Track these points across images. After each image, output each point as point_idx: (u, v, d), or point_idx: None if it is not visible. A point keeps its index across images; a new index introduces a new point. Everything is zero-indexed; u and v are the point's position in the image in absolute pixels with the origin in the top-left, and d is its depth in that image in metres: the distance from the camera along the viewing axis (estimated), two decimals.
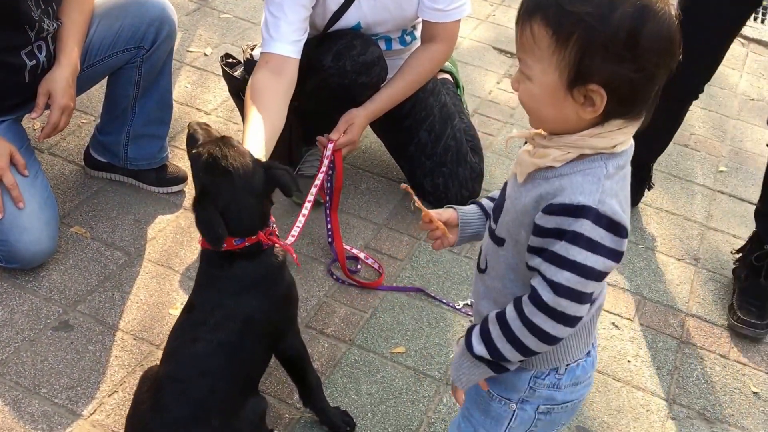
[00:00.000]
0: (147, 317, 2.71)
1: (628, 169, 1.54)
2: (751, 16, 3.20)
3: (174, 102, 3.25)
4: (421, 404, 2.56)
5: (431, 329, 2.82)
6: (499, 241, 1.64)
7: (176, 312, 2.71)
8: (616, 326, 2.98)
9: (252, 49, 3.23)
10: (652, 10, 1.40)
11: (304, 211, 2.56)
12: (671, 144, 3.61)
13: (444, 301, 2.93)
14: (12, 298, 2.70)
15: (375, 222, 3.26)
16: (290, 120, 2.85)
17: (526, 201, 1.54)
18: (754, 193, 3.78)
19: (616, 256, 1.48)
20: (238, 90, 3.14)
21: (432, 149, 3.25)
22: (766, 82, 4.84)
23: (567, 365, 1.70)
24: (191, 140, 2.17)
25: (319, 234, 3.09)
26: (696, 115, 4.32)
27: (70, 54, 2.77)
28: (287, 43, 2.78)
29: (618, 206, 1.46)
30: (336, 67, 2.94)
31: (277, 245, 2.17)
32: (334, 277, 2.96)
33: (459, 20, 3.09)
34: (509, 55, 4.57)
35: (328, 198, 3.01)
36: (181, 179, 3.24)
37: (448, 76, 3.55)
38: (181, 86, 3.84)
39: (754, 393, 2.82)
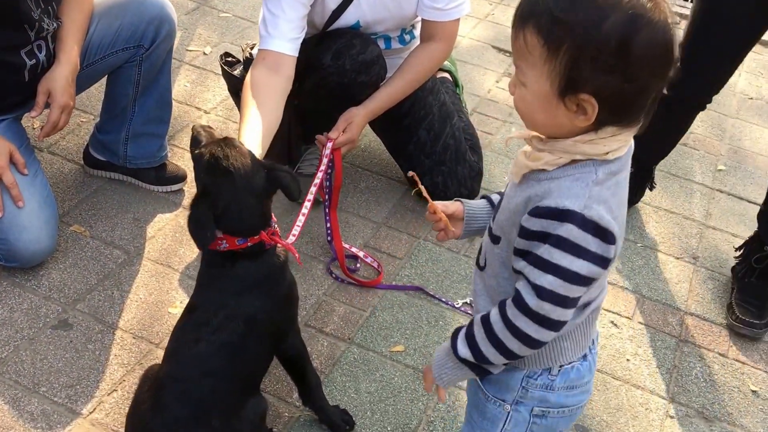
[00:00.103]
0: (146, 316, 2.71)
1: (624, 176, 1.53)
2: (766, 30, 3.12)
3: (173, 101, 3.25)
4: (420, 403, 2.56)
5: (430, 328, 2.82)
6: (495, 239, 1.64)
7: (176, 311, 2.72)
8: (615, 325, 2.98)
9: (251, 48, 3.23)
10: (645, 19, 1.38)
11: (304, 210, 2.56)
12: None
13: (443, 299, 2.93)
14: (11, 297, 2.70)
15: (374, 221, 3.27)
16: (289, 118, 2.86)
17: (517, 201, 1.55)
18: (753, 192, 3.79)
19: (602, 261, 1.47)
20: (237, 89, 3.14)
21: (431, 148, 3.25)
22: (765, 80, 4.85)
23: (560, 366, 1.69)
24: (194, 142, 2.17)
25: (318, 233, 3.09)
26: None
27: (70, 53, 2.77)
28: (285, 40, 2.78)
29: (606, 212, 1.45)
30: (335, 66, 2.94)
31: (278, 245, 2.17)
32: (334, 275, 2.96)
33: (458, 19, 3.09)
34: (508, 54, 4.56)
35: (327, 197, 3.01)
36: (181, 178, 3.24)
37: (447, 74, 3.55)
38: (181, 85, 3.84)
39: (753, 391, 2.82)
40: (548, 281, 1.47)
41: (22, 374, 2.47)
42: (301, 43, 2.84)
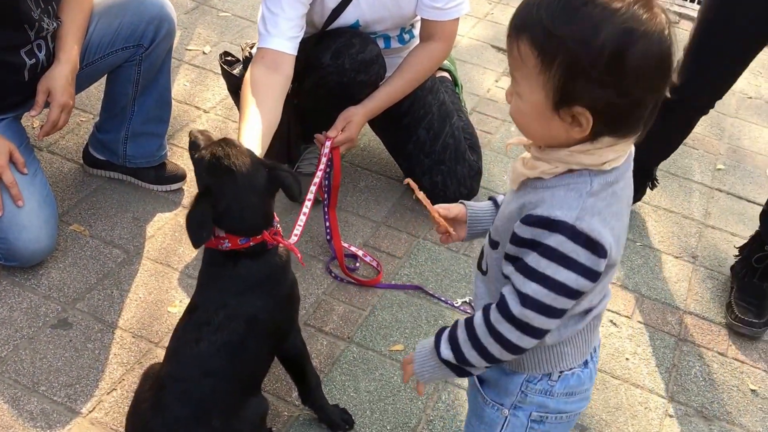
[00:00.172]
0: (146, 315, 2.71)
1: (621, 186, 1.51)
2: None
3: (173, 100, 3.25)
4: (419, 402, 2.56)
5: (430, 327, 2.83)
6: (493, 244, 1.63)
7: (175, 310, 2.72)
8: (614, 324, 2.98)
9: (251, 47, 3.23)
10: (638, 32, 1.35)
11: (305, 210, 2.56)
12: None
13: (442, 298, 2.93)
14: (11, 296, 2.70)
15: (374, 220, 3.27)
16: (289, 118, 2.86)
17: (513, 207, 1.54)
18: (752, 191, 3.79)
19: (591, 274, 1.46)
20: (236, 88, 3.14)
21: (430, 147, 3.26)
22: (764, 80, 4.85)
23: (561, 372, 1.68)
24: (193, 146, 2.17)
25: (317, 232, 3.09)
26: None
27: (70, 52, 2.77)
28: (284, 39, 2.78)
29: (600, 224, 1.44)
30: (335, 65, 2.94)
31: (280, 245, 2.17)
32: (333, 275, 2.97)
33: (458, 18, 3.09)
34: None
35: (326, 196, 3.01)
36: (180, 177, 3.24)
37: (446, 74, 3.55)
38: (180, 84, 3.84)
39: (752, 390, 2.83)
40: (533, 289, 1.47)
41: (22, 373, 2.47)
42: (301, 43, 2.84)
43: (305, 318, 2.77)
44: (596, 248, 1.43)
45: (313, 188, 2.68)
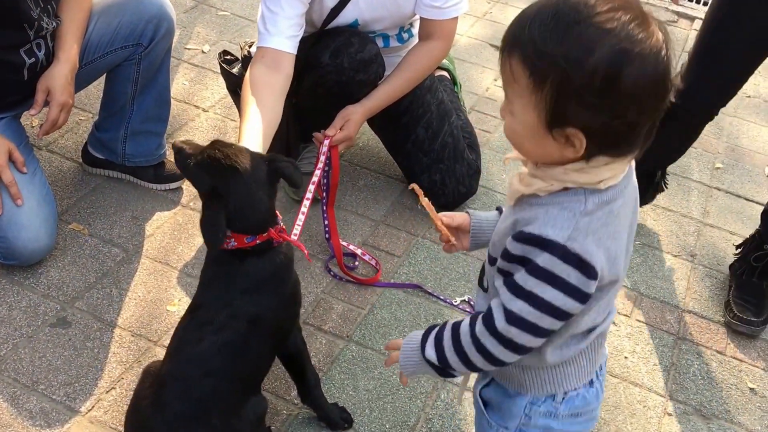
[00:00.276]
0: (145, 314, 2.71)
1: (619, 204, 1.47)
2: None
3: (172, 99, 3.26)
4: (418, 400, 2.56)
5: (429, 325, 2.82)
6: (491, 260, 1.60)
7: (174, 308, 2.72)
8: (613, 322, 2.98)
9: (250, 46, 3.23)
10: (633, 54, 1.30)
11: (304, 209, 2.56)
12: None
13: (441, 297, 2.93)
14: (10, 295, 2.70)
15: (372, 219, 3.27)
16: (288, 117, 2.85)
17: (508, 223, 1.52)
18: (751, 190, 3.79)
19: (579, 296, 1.43)
20: (236, 87, 3.14)
21: (429, 146, 3.26)
22: (763, 79, 4.85)
23: (565, 393, 1.66)
24: (181, 155, 2.15)
25: (316, 231, 3.09)
26: None
27: (69, 51, 2.78)
28: (284, 37, 2.78)
29: (594, 245, 1.41)
30: (333, 65, 2.94)
31: (283, 242, 2.17)
32: (332, 273, 2.97)
33: (456, 17, 3.09)
34: None
35: (325, 194, 3.02)
36: (179, 176, 3.24)
37: (445, 73, 3.55)
38: (179, 83, 3.84)
39: (750, 389, 2.83)
40: (518, 307, 1.45)
41: (21, 372, 2.47)
42: (300, 42, 2.84)
43: (304, 317, 2.77)
44: (587, 269, 1.41)
45: (311, 187, 2.69)
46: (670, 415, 2.68)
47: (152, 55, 3.01)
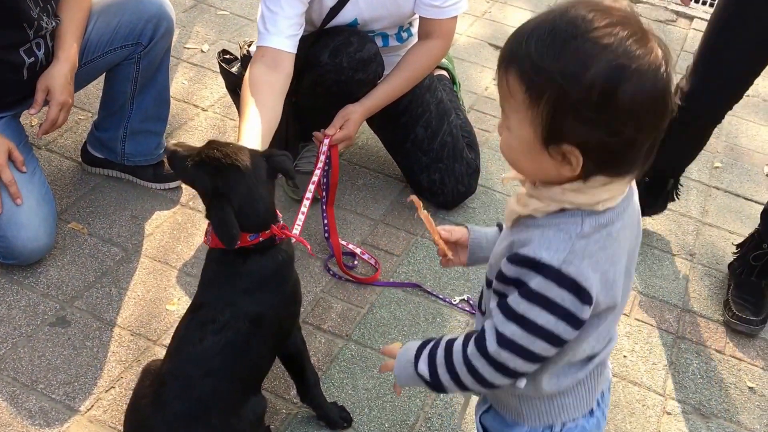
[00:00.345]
0: (144, 313, 2.72)
1: (618, 227, 1.43)
2: None
3: (171, 98, 3.26)
4: (417, 399, 2.56)
5: (428, 325, 2.83)
6: (488, 282, 1.58)
7: (173, 308, 2.72)
8: None
9: (249, 46, 3.23)
10: (630, 69, 1.28)
11: (304, 209, 2.57)
12: None
13: (440, 296, 2.93)
14: (9, 294, 2.70)
15: (372, 218, 3.27)
16: (287, 116, 2.85)
17: (504, 245, 1.49)
18: (749, 189, 3.79)
19: (574, 321, 1.40)
20: (235, 86, 3.15)
21: (428, 145, 3.26)
22: (761, 78, 4.83)
23: (563, 424, 1.63)
24: (177, 157, 2.15)
25: (315, 230, 3.09)
26: None
27: (69, 50, 2.78)
28: (284, 37, 2.78)
29: (590, 269, 1.37)
30: (333, 64, 2.94)
31: (284, 240, 2.17)
32: (331, 272, 2.97)
33: (456, 17, 3.09)
34: None
35: (324, 194, 3.02)
36: None
37: (444, 72, 3.55)
38: (178, 83, 3.84)
39: (749, 388, 2.83)
40: (511, 330, 1.42)
41: (20, 371, 2.47)
42: (299, 41, 2.84)
43: (303, 316, 2.77)
44: (582, 294, 1.38)
45: (311, 187, 2.69)
46: (669, 414, 2.69)
47: (151, 54, 3.01)
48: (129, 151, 3.17)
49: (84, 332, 2.62)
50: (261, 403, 2.20)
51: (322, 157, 2.90)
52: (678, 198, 3.46)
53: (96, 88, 3.38)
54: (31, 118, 3.33)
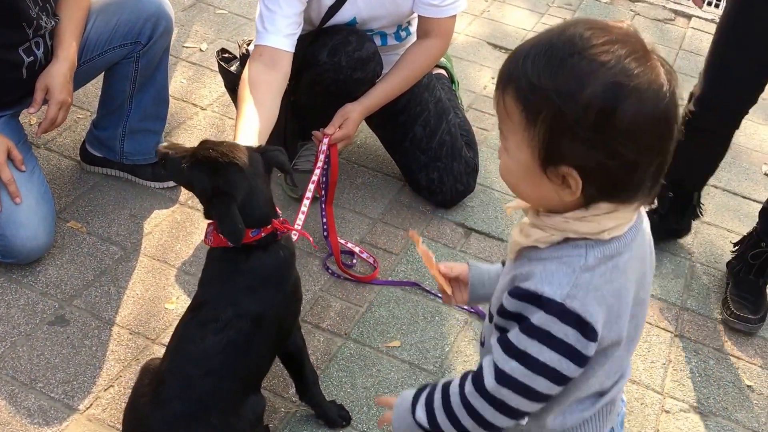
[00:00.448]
0: (143, 312, 2.72)
1: (626, 258, 1.38)
2: None
3: (170, 97, 3.26)
4: None
5: (426, 323, 2.83)
6: (489, 316, 1.53)
7: (172, 306, 2.73)
8: None
9: (248, 44, 3.23)
10: (629, 88, 1.24)
11: (304, 208, 2.57)
12: None
13: (439, 295, 2.93)
14: (8, 293, 2.70)
15: (370, 216, 3.27)
16: (286, 115, 2.86)
17: (507, 279, 1.45)
18: (748, 188, 3.79)
19: (578, 358, 1.34)
20: (234, 85, 3.14)
21: (427, 144, 3.26)
22: None
23: None
24: (171, 160, 2.14)
25: (314, 228, 3.09)
26: None
27: (68, 50, 2.78)
28: (282, 36, 2.78)
29: (595, 303, 1.32)
30: (331, 63, 2.94)
31: (284, 236, 2.17)
32: (330, 271, 2.97)
33: (454, 16, 3.09)
34: (504, 51, 4.57)
35: (323, 192, 3.02)
36: None
37: (443, 71, 3.55)
38: (177, 82, 3.84)
39: (747, 386, 2.83)
40: (511, 367, 1.37)
41: (19, 370, 2.48)
42: (298, 40, 2.85)
43: (302, 314, 2.76)
44: (586, 330, 1.32)
45: (311, 186, 2.69)
46: (667, 412, 2.69)
47: (150, 53, 3.01)
48: (128, 149, 3.17)
49: (83, 331, 2.62)
50: (260, 402, 2.21)
51: (321, 156, 2.90)
52: (702, 215, 3.38)
53: (95, 87, 3.38)
54: (29, 117, 3.33)
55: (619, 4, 5.32)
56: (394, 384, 2.60)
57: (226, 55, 3.32)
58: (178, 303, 2.75)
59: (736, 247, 3.21)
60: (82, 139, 3.27)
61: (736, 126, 3.08)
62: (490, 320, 1.52)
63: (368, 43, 3.00)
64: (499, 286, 1.50)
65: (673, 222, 3.26)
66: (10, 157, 2.70)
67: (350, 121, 3.00)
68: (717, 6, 5.48)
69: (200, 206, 2.21)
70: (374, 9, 3.01)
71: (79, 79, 2.93)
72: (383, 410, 2.49)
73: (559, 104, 1.26)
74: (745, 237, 3.18)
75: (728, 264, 3.22)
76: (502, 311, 1.41)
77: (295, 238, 2.36)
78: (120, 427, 2.26)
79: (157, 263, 2.90)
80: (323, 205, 3.03)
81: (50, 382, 2.46)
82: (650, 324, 3.00)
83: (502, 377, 1.39)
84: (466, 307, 2.88)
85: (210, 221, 2.15)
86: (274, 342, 2.20)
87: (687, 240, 3.43)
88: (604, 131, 1.25)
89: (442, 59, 3.50)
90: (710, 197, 3.74)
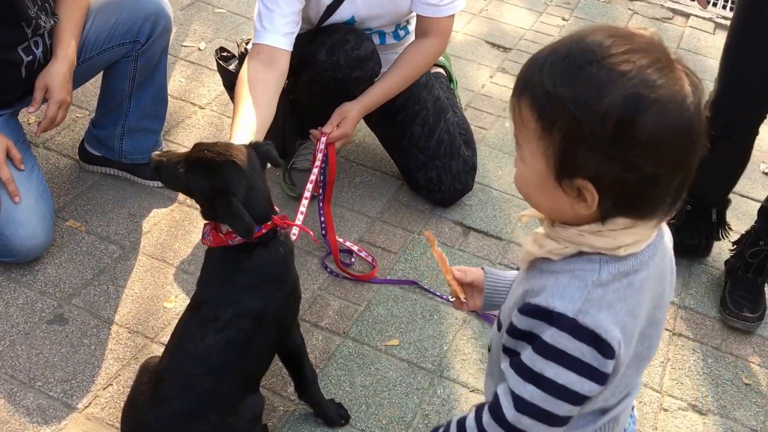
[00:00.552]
0: (142, 310, 2.72)
1: (642, 277, 1.33)
2: None
3: (168, 96, 3.26)
4: (415, 396, 2.57)
5: (425, 322, 2.83)
6: (498, 325, 1.49)
7: (171, 305, 2.73)
8: None
9: (246, 43, 3.23)
10: (649, 99, 1.19)
11: (302, 208, 2.57)
12: None
13: (438, 293, 2.93)
14: (7, 292, 2.70)
15: (369, 215, 3.27)
16: (284, 113, 2.86)
17: (519, 292, 1.40)
18: (746, 186, 3.79)
19: (597, 376, 1.29)
20: (232, 84, 3.14)
21: (425, 143, 3.26)
22: None
23: None
24: (165, 166, 2.14)
25: (313, 227, 3.09)
26: None
27: (67, 49, 2.78)
28: (280, 34, 2.78)
29: (608, 320, 1.27)
30: (330, 62, 2.95)
31: (282, 233, 2.17)
32: (328, 270, 2.97)
33: (453, 15, 3.09)
34: (502, 50, 4.57)
35: (321, 191, 3.02)
36: None
37: (441, 70, 3.56)
38: (176, 81, 3.84)
39: (746, 384, 2.84)
40: (529, 392, 1.31)
41: (18, 369, 2.48)
42: (296, 39, 2.85)
43: (301, 313, 2.76)
44: (602, 346, 1.27)
45: (309, 186, 2.69)
46: (665, 410, 2.69)
47: (149, 52, 3.01)
48: (126, 148, 3.17)
49: (82, 330, 2.62)
50: (259, 401, 2.21)
51: (319, 155, 2.90)
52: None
53: (93, 86, 3.38)
54: (28, 116, 3.33)
55: (617, 3, 5.32)
56: (393, 383, 2.60)
57: (225, 53, 3.32)
58: (177, 302, 2.75)
59: (735, 246, 3.21)
60: (81, 138, 3.27)
61: (753, 131, 3.02)
62: (499, 329, 1.48)
63: (367, 42, 3.00)
64: (512, 297, 1.45)
65: (687, 237, 3.18)
66: (9, 156, 2.70)
67: (348, 120, 3.00)
68: (715, 5, 5.48)
69: (198, 204, 2.21)
70: (372, 8, 3.01)
71: (78, 78, 2.93)
72: (382, 409, 2.50)
73: (576, 113, 1.21)
74: (744, 235, 3.19)
75: (726, 262, 3.22)
76: (512, 330, 1.36)
77: (294, 237, 2.36)
78: (119, 425, 2.26)
79: (156, 262, 2.91)
80: (321, 204, 3.03)
81: (49, 380, 2.46)
82: None
83: (521, 405, 1.33)
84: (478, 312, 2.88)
85: (207, 222, 2.16)
86: (274, 341, 2.21)
87: None
88: (623, 143, 1.21)
89: (441, 58, 3.50)
90: None
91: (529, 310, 1.32)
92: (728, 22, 2.98)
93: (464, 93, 4.08)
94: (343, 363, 2.65)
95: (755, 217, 3.15)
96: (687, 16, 5.33)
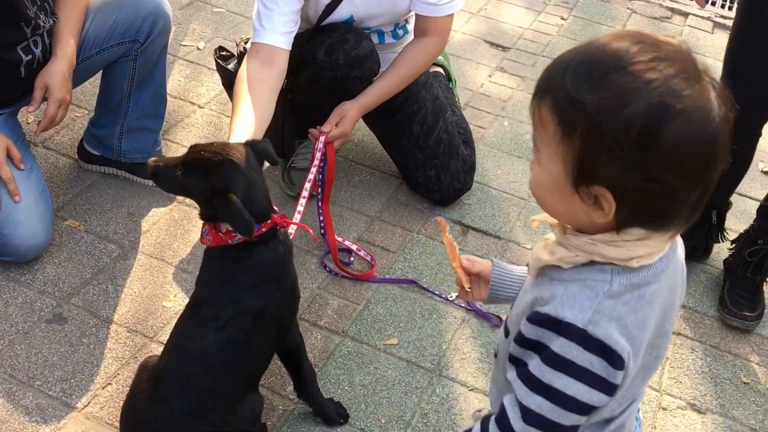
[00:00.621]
0: (141, 310, 2.72)
1: (654, 290, 1.31)
2: None
3: (167, 95, 3.26)
4: (414, 395, 2.57)
5: (424, 321, 2.84)
6: (506, 331, 1.47)
7: (170, 304, 2.73)
8: None
9: (245, 42, 3.23)
10: (675, 109, 1.16)
11: (300, 208, 2.57)
12: None
13: (437, 292, 2.94)
14: (6, 291, 2.70)
15: (368, 214, 3.27)
16: (283, 112, 2.86)
17: (528, 299, 1.38)
18: (745, 185, 3.78)
19: (607, 388, 1.27)
20: (231, 83, 3.14)
21: (424, 142, 3.26)
22: None
23: None
24: (162, 171, 2.14)
25: (312, 226, 3.08)
26: None
27: (66, 48, 2.78)
28: (279, 33, 2.79)
29: (618, 332, 1.25)
30: (329, 61, 2.95)
31: (282, 232, 2.17)
32: (327, 269, 2.97)
33: (452, 14, 3.09)
34: (501, 49, 4.57)
35: (320, 190, 3.02)
36: None
37: (440, 69, 3.56)
38: (175, 80, 3.84)
39: (744, 383, 2.84)
40: (537, 403, 1.29)
41: (17, 368, 2.48)
42: (295, 38, 2.85)
43: (300, 312, 2.77)
44: (612, 357, 1.25)
45: (308, 185, 2.69)
46: (664, 409, 2.69)
47: (148, 51, 3.01)
48: (126, 148, 3.17)
49: (81, 329, 2.62)
50: (258, 400, 2.21)
51: (318, 154, 2.90)
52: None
53: (93, 85, 3.38)
54: (27, 116, 3.33)
55: (616, 2, 5.32)
56: (392, 382, 2.60)
57: (224, 53, 3.33)
58: (176, 301, 2.75)
59: (734, 245, 3.21)
60: (80, 138, 3.27)
61: (756, 133, 3.02)
62: (505, 335, 1.47)
63: (365, 41, 3.00)
64: (520, 303, 1.43)
65: (686, 238, 3.13)
66: (8, 156, 2.70)
67: (347, 119, 3.00)
68: (714, 4, 5.48)
69: (197, 205, 2.21)
70: (371, 7, 3.01)
71: (77, 77, 2.93)
72: (381, 408, 2.50)
73: (598, 120, 1.19)
74: (743, 234, 3.19)
75: (725, 261, 3.23)
76: (520, 339, 1.34)
77: (292, 236, 2.36)
78: (118, 424, 2.26)
79: (155, 261, 2.91)
80: (320, 203, 3.03)
81: (48, 380, 2.46)
82: None
83: (528, 416, 1.31)
84: (463, 304, 2.88)
85: (205, 221, 2.16)
86: (273, 339, 2.21)
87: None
88: (645, 153, 1.18)
89: (440, 57, 3.50)
90: None
91: (538, 318, 1.30)
92: (727, 21, 3.01)
93: (463, 92, 4.08)
94: (342, 362, 2.65)
95: (754, 216, 3.15)
96: (685, 15, 5.33)
